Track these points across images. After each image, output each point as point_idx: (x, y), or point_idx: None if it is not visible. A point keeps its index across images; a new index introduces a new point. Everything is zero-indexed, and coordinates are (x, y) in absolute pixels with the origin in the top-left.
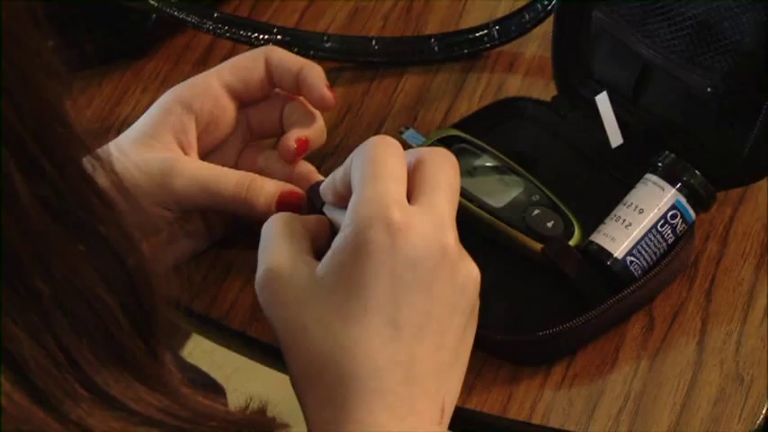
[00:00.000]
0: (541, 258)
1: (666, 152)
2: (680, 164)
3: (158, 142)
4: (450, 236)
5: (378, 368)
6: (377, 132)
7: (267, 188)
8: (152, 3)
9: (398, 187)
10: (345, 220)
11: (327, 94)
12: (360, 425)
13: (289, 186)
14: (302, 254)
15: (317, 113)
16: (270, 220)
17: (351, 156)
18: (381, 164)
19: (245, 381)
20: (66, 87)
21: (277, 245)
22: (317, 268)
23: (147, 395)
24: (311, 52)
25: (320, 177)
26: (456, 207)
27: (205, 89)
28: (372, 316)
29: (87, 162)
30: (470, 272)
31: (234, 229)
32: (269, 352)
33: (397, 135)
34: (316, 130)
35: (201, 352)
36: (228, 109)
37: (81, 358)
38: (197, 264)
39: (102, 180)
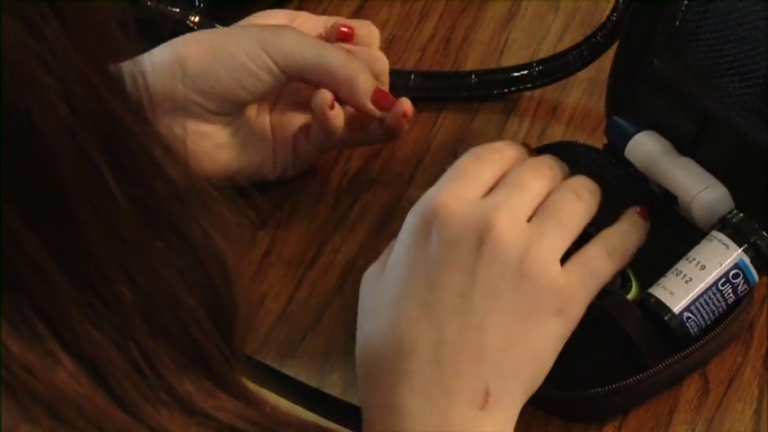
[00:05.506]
0: (599, 313)
1: (735, 211)
2: (747, 224)
3: None
4: (502, 218)
5: (404, 349)
6: (414, 169)
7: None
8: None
9: (461, 184)
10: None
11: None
12: (385, 409)
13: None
14: None
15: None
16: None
17: None
18: (457, 168)
19: None
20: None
21: None
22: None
23: (227, 403)
24: None
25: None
26: (526, 202)
27: None
28: (406, 299)
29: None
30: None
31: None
32: (303, 393)
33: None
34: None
35: None
36: None
37: (161, 365)
38: None
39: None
